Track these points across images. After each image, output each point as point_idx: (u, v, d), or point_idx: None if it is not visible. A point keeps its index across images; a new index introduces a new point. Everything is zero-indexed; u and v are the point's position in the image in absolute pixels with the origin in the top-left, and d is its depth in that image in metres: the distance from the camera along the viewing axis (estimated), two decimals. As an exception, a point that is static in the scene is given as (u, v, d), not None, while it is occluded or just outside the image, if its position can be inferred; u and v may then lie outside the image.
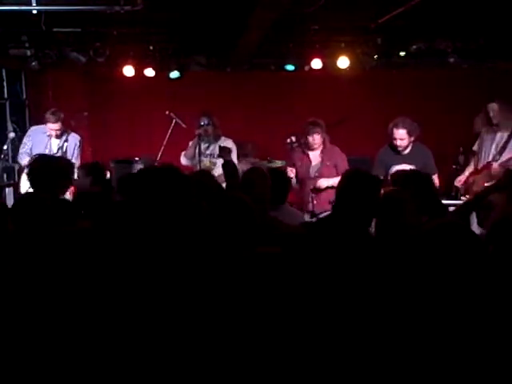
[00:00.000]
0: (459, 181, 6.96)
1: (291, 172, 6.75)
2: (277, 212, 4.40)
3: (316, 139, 6.80)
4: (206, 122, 7.07)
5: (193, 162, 7.17)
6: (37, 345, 2.35)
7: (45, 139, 7.33)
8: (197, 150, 7.06)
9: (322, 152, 6.83)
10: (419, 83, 9.00)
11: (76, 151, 7.38)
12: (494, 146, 6.72)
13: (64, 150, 7.29)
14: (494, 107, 6.70)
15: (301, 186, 6.79)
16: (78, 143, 7.45)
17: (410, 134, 6.44)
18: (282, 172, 5.72)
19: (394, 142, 6.50)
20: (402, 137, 6.44)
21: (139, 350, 2.38)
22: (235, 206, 3.12)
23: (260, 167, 5.65)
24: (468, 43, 7.90)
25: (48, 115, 7.30)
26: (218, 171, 6.87)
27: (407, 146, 6.51)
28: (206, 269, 2.76)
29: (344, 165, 6.72)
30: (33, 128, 7.73)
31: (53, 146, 7.32)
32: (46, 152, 7.05)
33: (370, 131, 8.65)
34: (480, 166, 6.85)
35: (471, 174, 6.93)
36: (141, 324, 2.47)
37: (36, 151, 7.18)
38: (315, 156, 6.89)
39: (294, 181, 6.68)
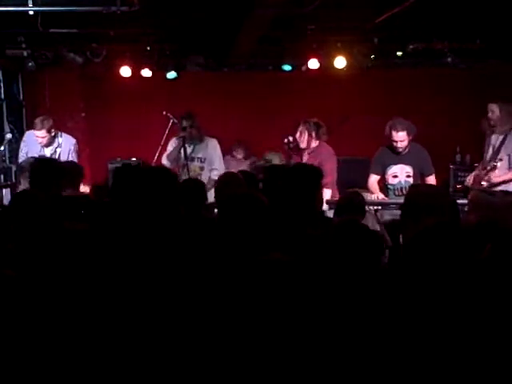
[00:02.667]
0: (468, 180, 6.80)
1: None
2: None
3: (302, 136, 6.82)
4: (189, 124, 6.97)
5: (175, 163, 7.04)
6: (36, 344, 2.35)
7: (38, 145, 7.17)
8: (182, 154, 6.95)
9: (309, 152, 6.87)
10: (416, 83, 9.00)
11: (71, 155, 7.16)
12: (491, 149, 6.64)
13: (57, 156, 7.09)
14: (492, 108, 6.53)
15: None
16: (72, 147, 7.25)
17: (409, 134, 6.45)
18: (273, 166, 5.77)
19: (395, 144, 6.49)
20: (402, 138, 6.45)
21: (134, 351, 2.38)
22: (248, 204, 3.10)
23: (234, 172, 5.72)
24: (465, 43, 7.91)
25: (36, 120, 7.14)
26: (205, 176, 6.88)
27: (407, 147, 6.53)
28: (205, 270, 2.76)
29: (329, 165, 6.61)
30: (27, 133, 7.59)
31: (46, 152, 7.16)
32: None
33: (367, 131, 8.65)
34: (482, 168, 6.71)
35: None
36: (138, 325, 2.47)
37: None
38: (305, 156, 6.94)
39: None
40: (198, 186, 4.81)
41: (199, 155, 7.10)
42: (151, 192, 3.40)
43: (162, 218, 3.16)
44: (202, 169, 7.06)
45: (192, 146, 7.07)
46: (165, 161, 7.09)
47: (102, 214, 3.51)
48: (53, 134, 7.14)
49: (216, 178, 6.73)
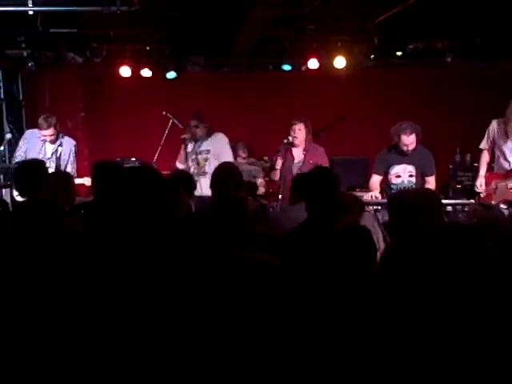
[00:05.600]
0: (480, 185, 6.56)
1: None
2: None
3: (298, 133, 6.93)
4: (194, 124, 7.13)
5: (187, 164, 7.25)
6: (30, 344, 2.35)
7: (39, 143, 7.19)
8: (186, 152, 7.20)
9: (304, 150, 7.01)
10: (416, 83, 9.01)
11: (71, 156, 7.25)
12: None
13: (58, 155, 7.16)
14: None
15: (283, 182, 6.84)
16: (73, 148, 7.31)
17: (417, 136, 6.43)
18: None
19: (404, 147, 6.44)
20: (411, 141, 6.41)
21: (127, 351, 2.37)
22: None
23: (232, 164, 5.81)
24: (465, 43, 7.92)
25: (40, 121, 7.15)
26: (210, 168, 6.94)
27: (414, 149, 6.51)
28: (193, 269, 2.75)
29: (326, 163, 6.84)
30: (29, 131, 7.60)
31: (47, 151, 7.19)
32: (40, 157, 6.92)
33: (366, 131, 8.66)
34: (503, 168, 6.53)
35: (492, 177, 6.56)
36: (132, 325, 2.47)
37: (30, 155, 7.11)
38: (298, 153, 7.06)
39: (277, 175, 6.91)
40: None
41: (203, 148, 7.23)
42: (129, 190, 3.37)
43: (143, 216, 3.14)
44: (206, 160, 7.18)
45: (199, 142, 7.24)
46: (178, 164, 7.37)
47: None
48: (58, 129, 7.21)
49: None
